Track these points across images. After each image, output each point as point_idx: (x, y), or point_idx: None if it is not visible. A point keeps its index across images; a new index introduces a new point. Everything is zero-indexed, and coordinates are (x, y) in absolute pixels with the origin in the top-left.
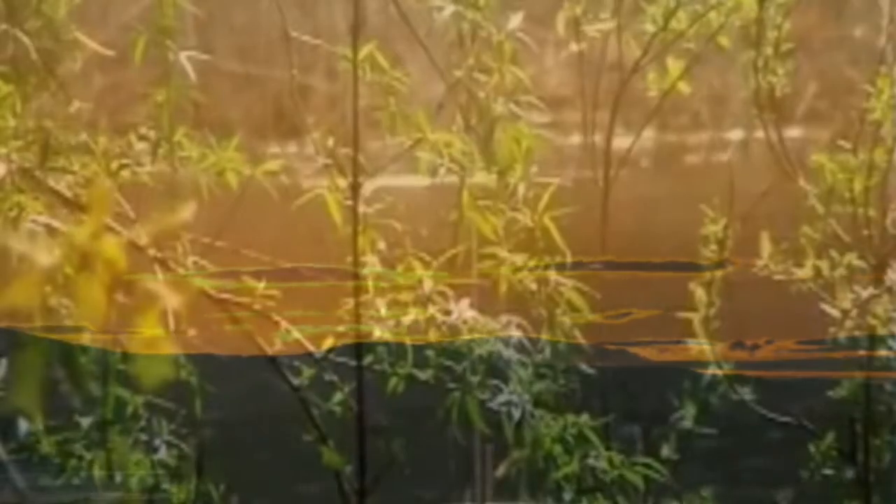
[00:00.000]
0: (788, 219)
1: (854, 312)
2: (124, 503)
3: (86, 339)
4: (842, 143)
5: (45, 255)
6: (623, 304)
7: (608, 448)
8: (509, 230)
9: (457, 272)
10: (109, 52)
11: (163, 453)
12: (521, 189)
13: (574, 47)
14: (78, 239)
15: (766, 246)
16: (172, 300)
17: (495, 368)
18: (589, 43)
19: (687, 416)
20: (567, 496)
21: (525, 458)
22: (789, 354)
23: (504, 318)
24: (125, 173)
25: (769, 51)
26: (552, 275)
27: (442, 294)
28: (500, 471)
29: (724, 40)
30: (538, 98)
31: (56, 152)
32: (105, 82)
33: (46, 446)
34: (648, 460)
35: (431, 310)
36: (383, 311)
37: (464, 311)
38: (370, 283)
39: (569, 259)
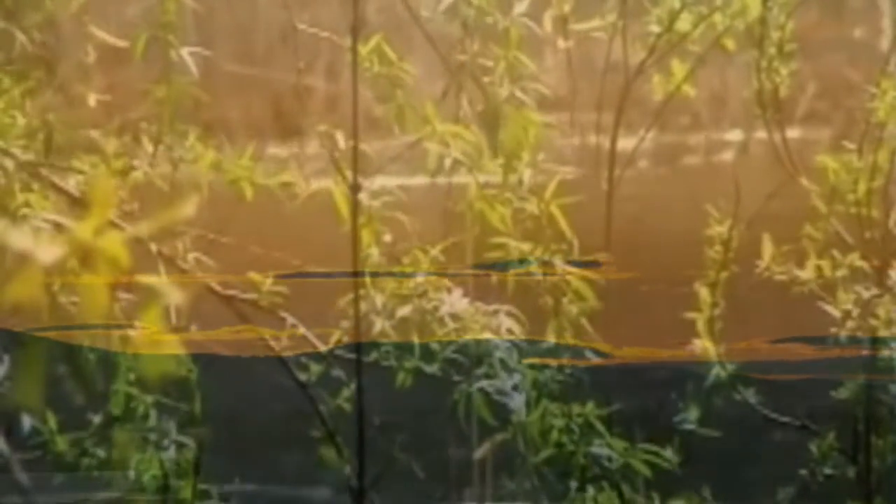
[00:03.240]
0: (791, 220)
1: (856, 313)
2: (129, 501)
3: (91, 335)
4: (846, 143)
5: (48, 253)
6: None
7: (613, 436)
8: (517, 219)
9: (464, 263)
10: (122, 44)
11: (171, 452)
12: (528, 176)
13: (562, 44)
14: (80, 235)
15: (767, 247)
16: (176, 297)
17: (497, 359)
18: (586, 43)
19: (690, 417)
20: (572, 485)
21: (507, 440)
22: (792, 355)
23: (504, 308)
24: (129, 170)
25: (772, 51)
26: (558, 264)
27: (444, 286)
28: (479, 453)
29: (729, 43)
30: (542, 96)
31: (61, 150)
32: (107, 80)
33: (54, 444)
34: (654, 448)
35: (433, 302)
36: (379, 304)
37: (456, 302)
38: (367, 278)
39: (576, 248)
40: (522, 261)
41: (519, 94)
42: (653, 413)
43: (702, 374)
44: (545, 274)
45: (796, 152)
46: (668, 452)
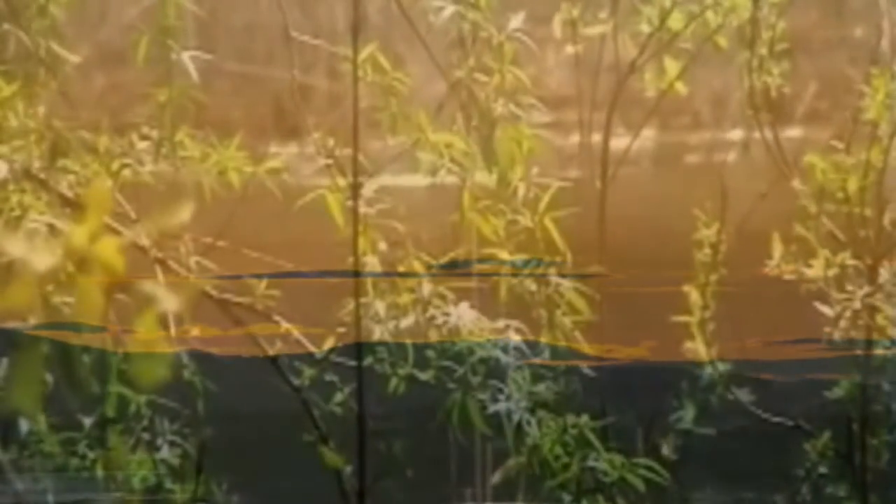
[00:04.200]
0: (786, 220)
1: (849, 312)
2: (125, 503)
3: (86, 338)
4: (835, 143)
5: (43, 256)
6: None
7: (608, 449)
8: (510, 231)
9: (457, 273)
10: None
11: (165, 453)
12: (521, 190)
13: (570, 49)
14: (76, 239)
15: (777, 246)
16: (170, 301)
17: (495, 370)
18: (587, 44)
19: (685, 416)
20: (567, 498)
21: (523, 462)
22: (786, 355)
23: (503, 321)
24: (126, 173)
25: (764, 51)
26: (552, 276)
27: (441, 296)
28: (498, 477)
29: (721, 40)
30: (538, 98)
31: (59, 152)
32: (107, 82)
33: (49, 446)
34: (649, 462)
35: (431, 311)
36: (382, 313)
37: (464, 313)
38: (369, 285)
39: (569, 259)
40: (484, 259)
41: (513, 108)
42: (649, 415)
43: (696, 375)
44: (539, 283)
45: (797, 152)
46: (665, 451)
